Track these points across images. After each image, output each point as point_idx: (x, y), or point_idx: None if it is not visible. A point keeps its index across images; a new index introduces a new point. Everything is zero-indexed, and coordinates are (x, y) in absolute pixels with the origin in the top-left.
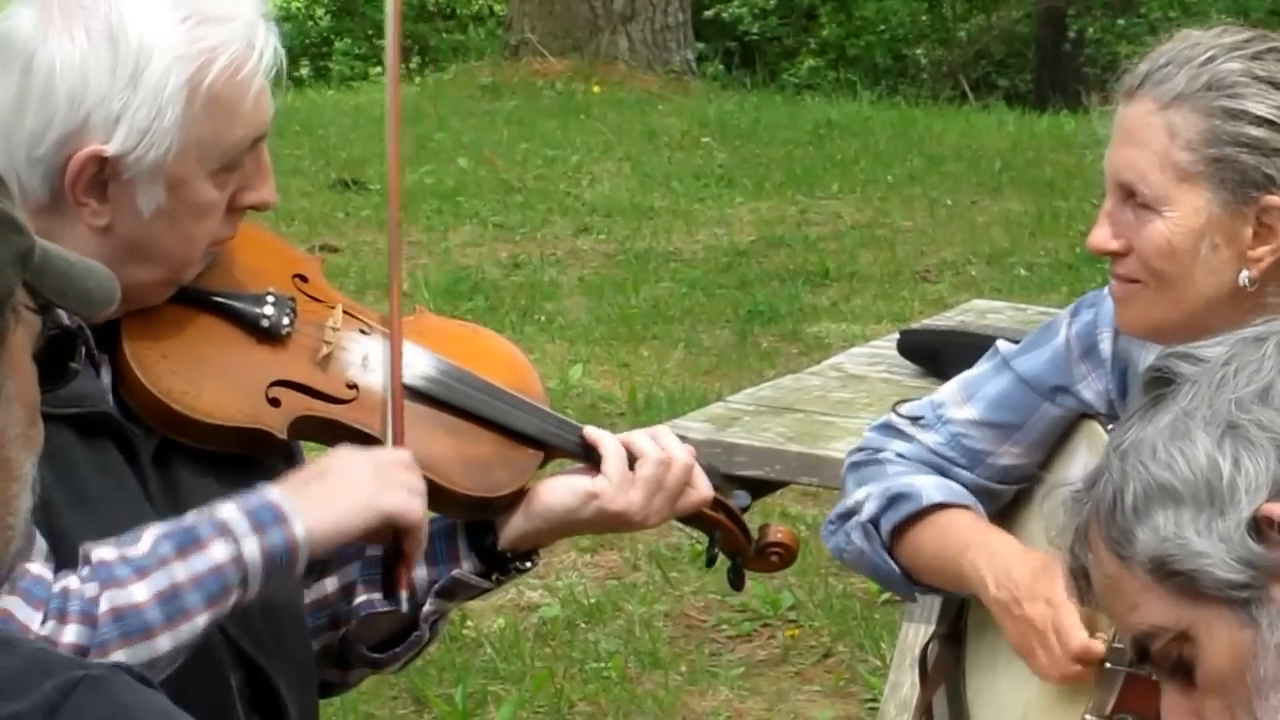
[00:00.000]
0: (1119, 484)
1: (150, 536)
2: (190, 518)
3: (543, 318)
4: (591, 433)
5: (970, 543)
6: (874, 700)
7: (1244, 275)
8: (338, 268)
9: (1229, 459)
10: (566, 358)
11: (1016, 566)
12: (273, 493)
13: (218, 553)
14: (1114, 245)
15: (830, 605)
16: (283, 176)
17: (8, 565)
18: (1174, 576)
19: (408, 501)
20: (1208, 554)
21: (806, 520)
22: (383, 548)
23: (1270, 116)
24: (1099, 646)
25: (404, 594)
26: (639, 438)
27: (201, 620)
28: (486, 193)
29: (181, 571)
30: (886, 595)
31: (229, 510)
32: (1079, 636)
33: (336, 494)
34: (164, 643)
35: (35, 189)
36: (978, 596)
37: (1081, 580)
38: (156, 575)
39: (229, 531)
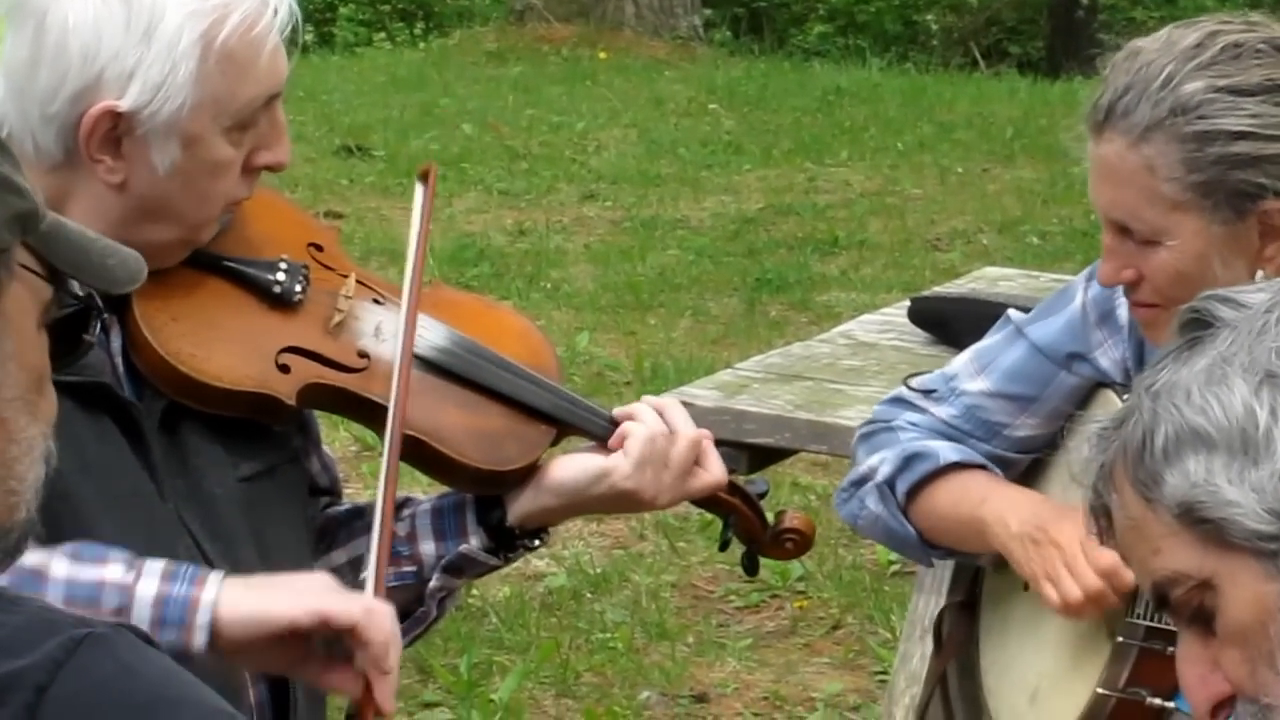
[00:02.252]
0: (1149, 425)
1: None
2: (110, 575)
3: (548, 285)
4: (621, 411)
5: (989, 495)
6: (883, 673)
7: (1259, 276)
8: (342, 235)
9: (1266, 408)
10: (573, 325)
11: (1041, 508)
12: (201, 585)
13: (110, 572)
14: (1126, 277)
15: (840, 577)
16: None
17: (16, 536)
18: (1201, 524)
19: (349, 605)
20: (1238, 503)
21: (816, 490)
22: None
23: (1245, 129)
24: (1129, 575)
25: None
26: (642, 411)
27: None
28: (491, 159)
29: (62, 569)
30: (896, 567)
31: (145, 590)
32: (1109, 555)
33: (283, 588)
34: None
35: (50, 146)
36: (997, 545)
37: (1102, 519)
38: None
39: (136, 566)
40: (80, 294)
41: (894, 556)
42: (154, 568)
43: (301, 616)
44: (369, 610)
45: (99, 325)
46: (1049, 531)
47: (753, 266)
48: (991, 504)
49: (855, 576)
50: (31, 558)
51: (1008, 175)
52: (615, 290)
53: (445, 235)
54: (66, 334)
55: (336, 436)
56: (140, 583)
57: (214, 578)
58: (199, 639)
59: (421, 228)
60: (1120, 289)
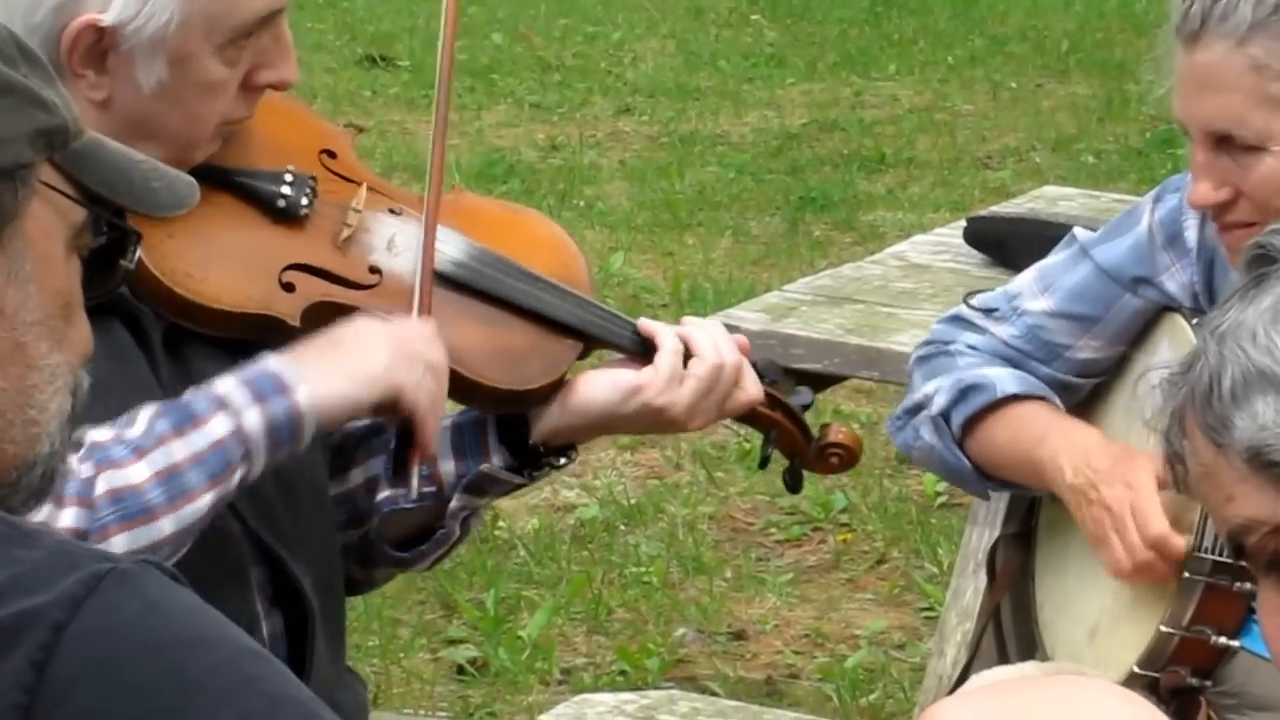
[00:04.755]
0: (1216, 368)
1: (146, 416)
2: (188, 394)
3: (581, 203)
4: (647, 325)
5: (1047, 432)
6: (930, 609)
7: None
8: (364, 149)
9: None
10: (607, 245)
11: (1097, 454)
12: (275, 361)
13: (217, 428)
14: (1221, 196)
15: (885, 508)
16: (306, 52)
17: (40, 472)
18: (1272, 467)
19: (422, 379)
20: None
21: (860, 418)
22: (396, 428)
23: None
24: (1179, 541)
25: (415, 480)
26: (697, 335)
27: (205, 500)
28: (523, 71)
29: (181, 450)
30: (944, 498)
31: (228, 383)
32: (1158, 524)
33: (346, 362)
34: (166, 525)
35: None
36: (1053, 488)
37: (1178, 467)
38: (154, 455)
39: (228, 405)
40: (118, 220)
41: (941, 487)
42: (240, 396)
43: (381, 396)
44: (429, 403)
45: (136, 251)
46: (1100, 490)
47: (795, 184)
48: (1048, 444)
49: (901, 508)
50: (133, 460)
51: (1062, 91)
52: (651, 209)
53: (473, 150)
54: (102, 260)
55: None
56: (244, 420)
57: (292, 377)
58: (307, 439)
59: (446, 45)
60: (1190, 213)
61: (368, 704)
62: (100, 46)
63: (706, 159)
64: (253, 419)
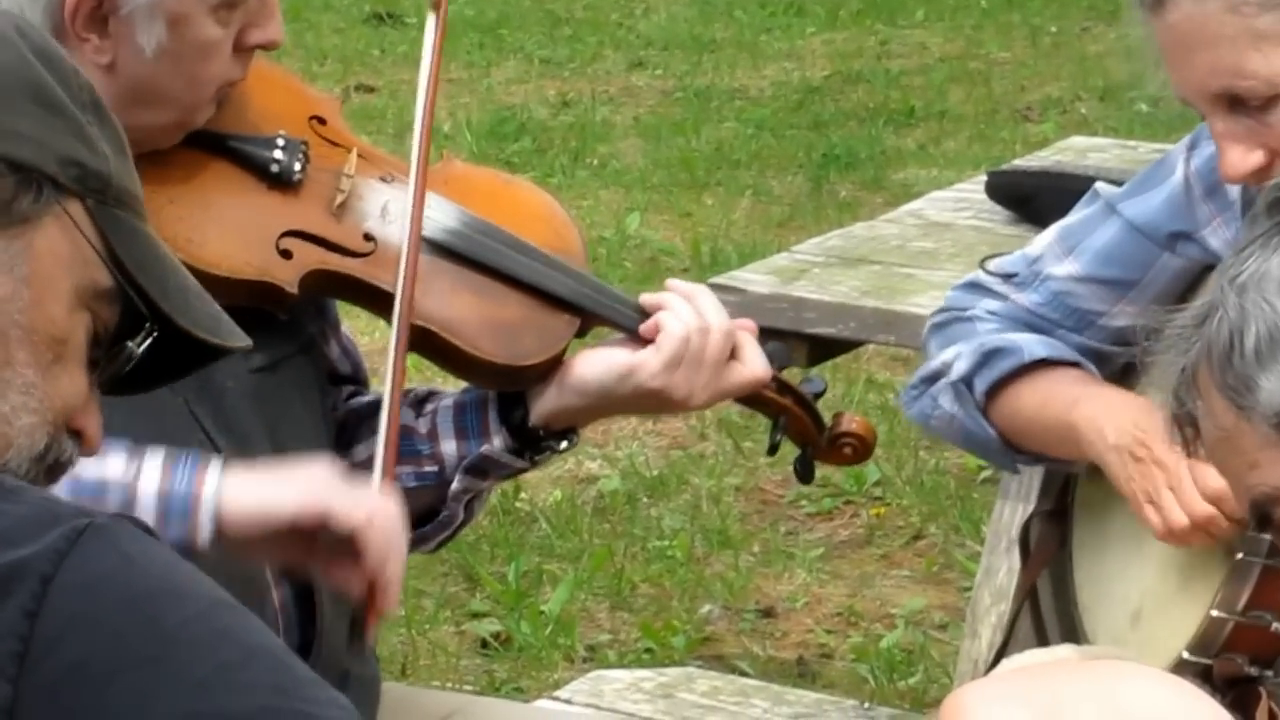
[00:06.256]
0: (1237, 323)
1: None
2: (111, 472)
3: (595, 161)
4: (648, 299)
5: (1082, 397)
6: (971, 588)
7: None
8: (374, 109)
9: None
10: (622, 206)
11: (1144, 416)
12: (202, 478)
13: (112, 469)
14: (1254, 161)
15: (921, 482)
16: (313, 12)
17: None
18: None
19: (352, 507)
20: None
21: (895, 388)
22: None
23: None
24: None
25: (369, 641)
26: (673, 301)
27: None
28: (531, 25)
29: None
30: (987, 472)
31: (158, 450)
32: (1218, 480)
33: (277, 480)
34: None
35: (38, 25)
36: (1090, 454)
37: (1188, 429)
38: None
39: (139, 456)
40: (131, 289)
41: (982, 461)
42: (154, 462)
43: (304, 513)
44: (371, 515)
45: (148, 339)
46: (1151, 448)
47: (819, 141)
48: (1085, 407)
49: (938, 482)
50: None
51: (1112, 34)
52: (668, 167)
53: (483, 108)
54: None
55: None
56: (142, 480)
57: (214, 468)
58: (203, 534)
59: (432, 68)
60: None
61: (379, 675)
62: (101, 11)
63: (724, 114)
64: (150, 478)
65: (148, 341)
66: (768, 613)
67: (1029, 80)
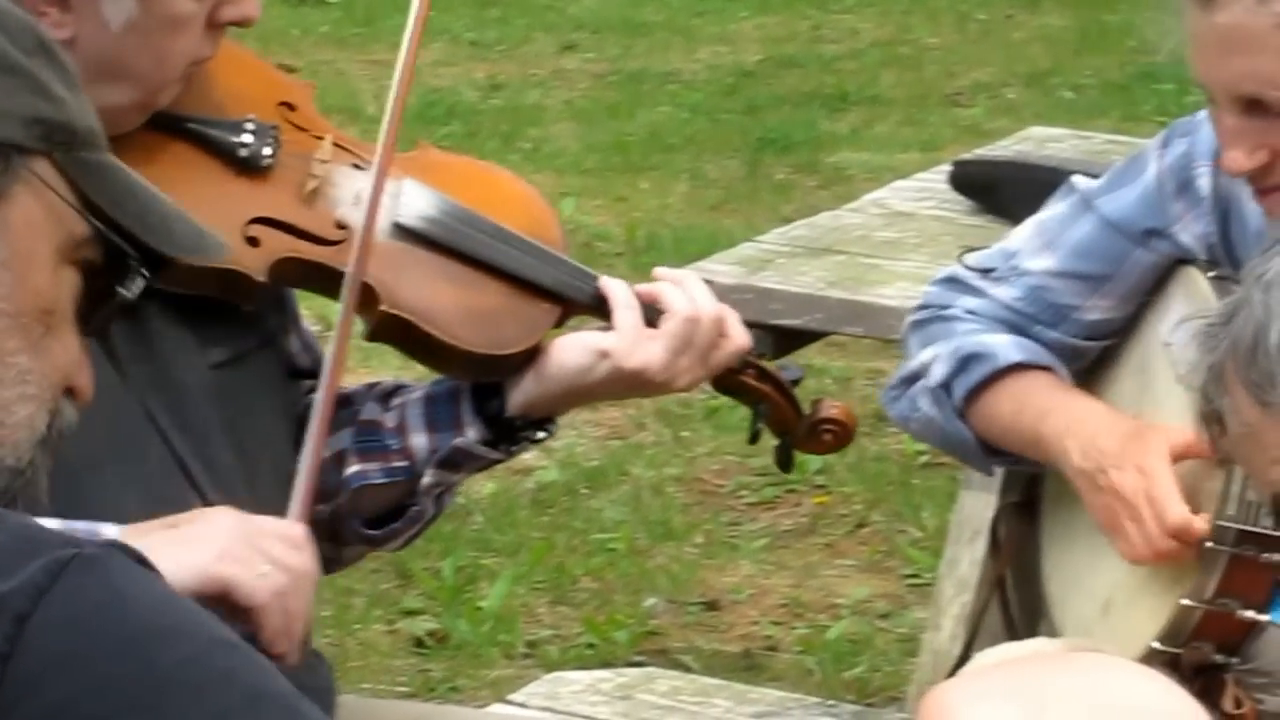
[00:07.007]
0: (1263, 320)
1: None
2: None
3: (527, 146)
4: (604, 283)
5: (1051, 408)
6: (914, 575)
7: None
8: None
9: None
10: (556, 191)
11: (1104, 434)
12: (109, 529)
13: None
14: (1257, 161)
15: (863, 469)
16: None
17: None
18: None
19: (268, 575)
20: None
21: (832, 373)
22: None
23: None
24: (1200, 524)
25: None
26: (665, 289)
27: None
28: (459, 6)
29: None
30: (926, 458)
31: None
32: (1177, 509)
33: (173, 548)
34: None
35: None
36: (1059, 468)
37: (1214, 426)
38: None
39: None
40: (115, 237)
41: (922, 446)
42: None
43: (204, 591)
44: (274, 593)
45: (139, 281)
46: (1110, 476)
47: (753, 124)
48: (1054, 421)
49: (880, 468)
50: None
51: (1034, 22)
52: (601, 151)
53: (411, 91)
54: (98, 287)
55: None
56: None
57: (109, 536)
58: None
59: (413, 37)
60: (1202, 159)
61: (333, 685)
62: None
63: (658, 98)
64: None
65: (139, 284)
66: (712, 605)
67: (958, 65)
